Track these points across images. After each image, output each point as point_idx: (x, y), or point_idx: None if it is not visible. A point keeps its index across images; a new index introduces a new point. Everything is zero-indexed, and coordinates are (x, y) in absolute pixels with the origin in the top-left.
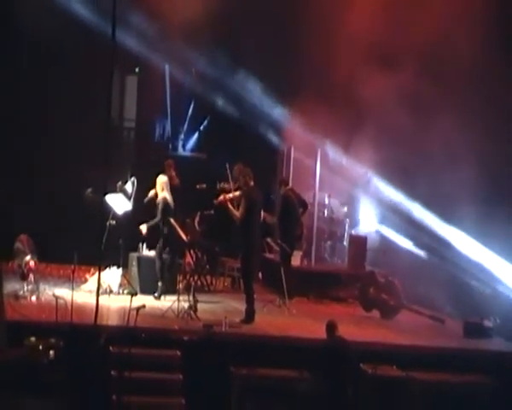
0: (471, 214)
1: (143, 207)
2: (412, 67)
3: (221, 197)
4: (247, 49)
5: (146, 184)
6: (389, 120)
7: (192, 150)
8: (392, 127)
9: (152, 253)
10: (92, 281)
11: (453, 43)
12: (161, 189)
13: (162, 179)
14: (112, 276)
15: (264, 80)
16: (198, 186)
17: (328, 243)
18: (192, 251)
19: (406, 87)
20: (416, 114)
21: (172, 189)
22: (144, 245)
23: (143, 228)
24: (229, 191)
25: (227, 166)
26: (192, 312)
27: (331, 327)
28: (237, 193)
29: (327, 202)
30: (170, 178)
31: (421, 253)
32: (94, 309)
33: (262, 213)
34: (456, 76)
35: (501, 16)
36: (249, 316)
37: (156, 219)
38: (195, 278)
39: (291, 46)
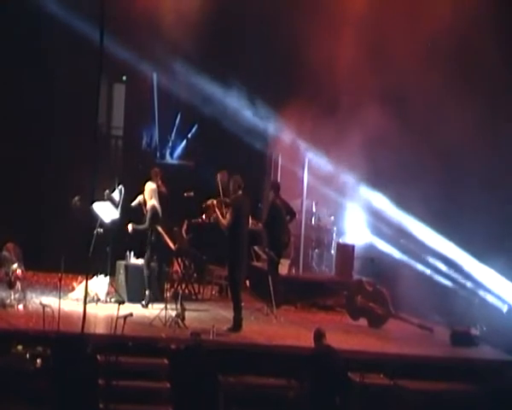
0: (458, 223)
1: (131, 215)
2: (406, 72)
3: (209, 202)
4: (234, 56)
5: (133, 192)
6: (379, 127)
7: (180, 158)
8: (382, 135)
9: (139, 261)
10: (79, 289)
11: (452, 48)
12: (150, 196)
13: (151, 187)
14: (99, 284)
15: (252, 88)
16: (185, 194)
17: (316, 251)
18: (179, 259)
19: (398, 93)
20: (408, 121)
21: (159, 197)
22: (132, 253)
23: (130, 226)
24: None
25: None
26: (180, 320)
27: (319, 335)
28: (226, 200)
29: (314, 209)
30: (157, 187)
31: (409, 261)
32: (81, 317)
33: (250, 220)
34: (457, 80)
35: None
36: (237, 324)
37: (144, 226)
38: (183, 286)
39: (279, 55)
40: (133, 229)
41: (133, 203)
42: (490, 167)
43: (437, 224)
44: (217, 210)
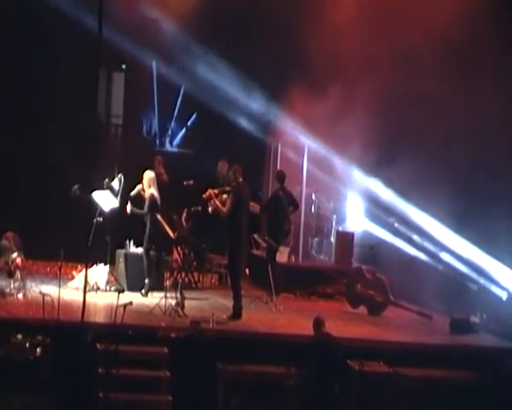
0: (459, 211)
1: (130, 203)
2: (407, 61)
3: (207, 193)
4: (234, 44)
5: (133, 180)
6: (378, 115)
7: (179, 146)
8: (382, 122)
9: (139, 250)
10: (79, 278)
11: (452, 41)
12: (148, 185)
13: (149, 175)
14: (99, 273)
15: (252, 76)
16: (185, 183)
17: (315, 239)
18: (179, 248)
19: (398, 82)
20: (409, 110)
21: (160, 185)
22: (131, 242)
23: (128, 207)
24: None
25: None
26: (179, 309)
27: (318, 323)
28: (226, 188)
29: (314, 197)
30: (159, 175)
31: (408, 249)
32: (81, 306)
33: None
34: (457, 72)
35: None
36: (236, 312)
37: (142, 211)
38: (183, 274)
39: (279, 42)
40: (131, 211)
41: (132, 192)
42: (485, 155)
43: (436, 211)
44: (215, 199)
